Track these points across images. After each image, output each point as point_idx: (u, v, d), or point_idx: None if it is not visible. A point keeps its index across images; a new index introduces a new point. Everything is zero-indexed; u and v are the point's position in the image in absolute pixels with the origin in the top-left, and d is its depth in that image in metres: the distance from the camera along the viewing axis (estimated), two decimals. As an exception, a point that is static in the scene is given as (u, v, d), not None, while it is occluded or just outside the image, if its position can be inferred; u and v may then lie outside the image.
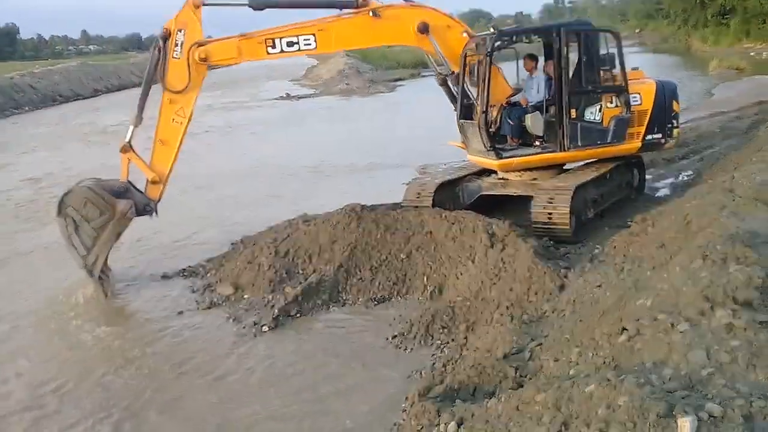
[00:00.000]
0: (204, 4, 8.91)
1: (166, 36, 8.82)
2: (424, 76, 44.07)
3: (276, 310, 7.76)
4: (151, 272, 9.72)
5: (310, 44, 9.27)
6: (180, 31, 8.83)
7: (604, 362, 3.98)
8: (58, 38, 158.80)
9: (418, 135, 19.64)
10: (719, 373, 3.37)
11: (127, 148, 8.95)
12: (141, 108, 8.96)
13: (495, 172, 10.42)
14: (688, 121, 17.63)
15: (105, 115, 33.11)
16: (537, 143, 10.00)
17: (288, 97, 36.03)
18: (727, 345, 3.56)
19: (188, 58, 8.86)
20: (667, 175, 12.63)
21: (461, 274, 8.04)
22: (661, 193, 11.38)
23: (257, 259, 8.89)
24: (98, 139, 24.57)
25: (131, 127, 9.00)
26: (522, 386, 4.72)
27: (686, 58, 46.73)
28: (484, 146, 9.58)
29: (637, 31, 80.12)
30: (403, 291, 8.26)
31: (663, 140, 10.34)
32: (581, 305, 6.08)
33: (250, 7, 9.17)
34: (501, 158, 9.69)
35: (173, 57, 8.87)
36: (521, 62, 10.56)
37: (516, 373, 5.08)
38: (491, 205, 10.31)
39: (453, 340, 6.82)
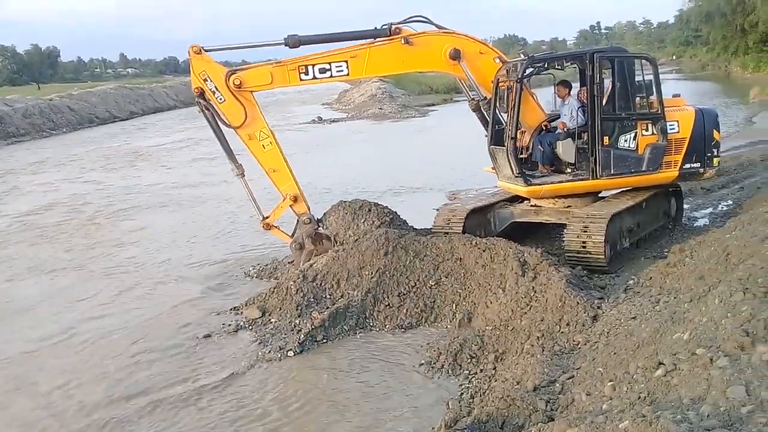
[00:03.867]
0: (206, 50, 9.17)
1: (201, 93, 9.19)
2: (456, 101, 44.21)
3: (302, 335, 7.69)
4: (184, 293, 9.84)
5: (342, 71, 9.37)
6: (206, 80, 9.13)
7: (639, 397, 3.82)
8: (97, 61, 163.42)
9: (449, 160, 19.61)
10: (760, 411, 3.19)
11: (267, 224, 9.67)
12: (232, 158, 9.55)
13: (527, 198, 10.26)
14: (729, 150, 17.25)
15: (138, 137, 33.92)
16: (568, 170, 9.82)
17: (320, 120, 36.34)
18: (768, 382, 3.38)
19: (231, 92, 9.13)
20: (706, 204, 12.32)
21: (491, 302, 7.89)
22: (700, 223, 11.08)
23: (285, 283, 8.86)
24: (128, 161, 25.12)
25: (251, 197, 9.59)
26: (553, 420, 4.55)
27: (726, 85, 46.03)
28: (513, 172, 9.45)
29: (674, 57, 79.40)
30: (431, 318, 8.13)
31: (702, 169, 10.01)
32: (615, 337, 5.88)
33: (286, 45, 9.34)
34: (529, 185, 9.52)
35: (220, 103, 9.19)
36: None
37: (546, 406, 4.92)
38: (523, 233, 10.16)
39: (482, 370, 6.67)
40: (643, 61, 9.98)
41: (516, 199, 10.45)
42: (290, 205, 9.58)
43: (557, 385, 5.42)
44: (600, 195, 10.13)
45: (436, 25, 9.65)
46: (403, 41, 9.32)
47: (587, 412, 4.14)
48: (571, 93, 10.14)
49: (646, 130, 9.59)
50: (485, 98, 9.82)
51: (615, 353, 5.22)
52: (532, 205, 10.15)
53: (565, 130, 9.75)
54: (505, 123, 9.66)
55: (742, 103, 31.06)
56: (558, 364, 5.98)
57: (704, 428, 3.06)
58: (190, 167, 22.53)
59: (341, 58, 9.35)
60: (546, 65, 10.02)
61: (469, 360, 6.88)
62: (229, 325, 8.38)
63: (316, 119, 36.76)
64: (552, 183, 9.65)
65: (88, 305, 9.62)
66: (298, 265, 9.46)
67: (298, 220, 9.75)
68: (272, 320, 8.36)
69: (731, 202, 11.94)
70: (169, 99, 59.71)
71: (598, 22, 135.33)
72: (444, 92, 49.11)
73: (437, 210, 10.91)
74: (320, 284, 8.71)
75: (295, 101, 52.94)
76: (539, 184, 9.60)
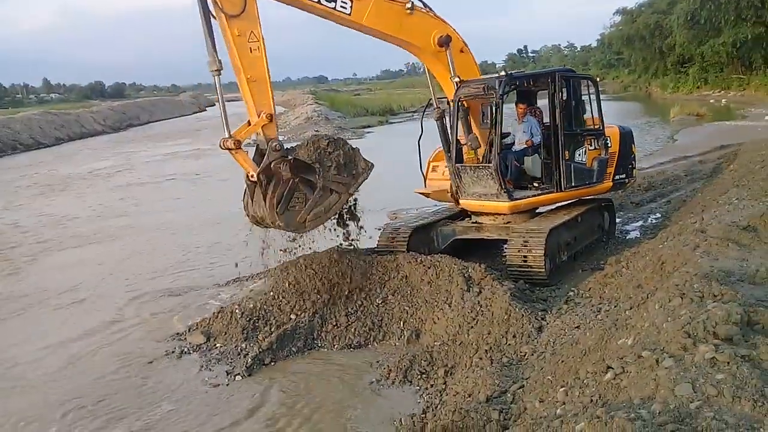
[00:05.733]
0: None
1: None
2: (392, 122, 44.77)
3: (249, 359, 7.58)
4: (126, 323, 9.52)
5: (345, 8, 8.86)
6: None
7: (592, 400, 3.95)
8: (19, 86, 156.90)
9: (387, 180, 19.63)
10: (707, 406, 3.38)
11: (237, 141, 8.32)
12: (214, 50, 8.06)
13: (468, 216, 10.46)
14: (654, 166, 18.09)
15: (65, 164, 32.77)
16: (535, 184, 10.14)
17: (254, 144, 36.00)
18: (712, 379, 3.58)
19: None
20: (637, 218, 12.84)
21: (438, 318, 7.99)
22: (632, 235, 11.55)
23: (229, 306, 8.73)
24: (54, 189, 24.16)
25: (221, 105, 8.32)
26: (507, 429, 4.64)
27: (647, 104, 48.20)
28: (498, 189, 9.55)
29: (598, 79, 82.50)
30: (379, 337, 8.15)
31: (627, 180, 11.01)
32: (561, 346, 6.07)
33: None
34: (513, 200, 9.69)
35: None
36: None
37: (500, 416, 5.01)
38: (466, 249, 10.34)
39: (432, 385, 6.74)
40: (588, 81, 10.58)
41: (458, 216, 10.66)
42: (263, 128, 8.50)
43: (508, 395, 5.54)
44: (537, 210, 10.45)
45: (432, 11, 9.69)
46: (409, 4, 9.25)
47: (542, 417, 4.25)
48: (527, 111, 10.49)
49: (591, 144, 10.22)
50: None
51: (563, 361, 5.38)
52: (473, 223, 10.36)
53: (531, 146, 10.11)
54: (469, 140, 9.91)
55: (664, 122, 32.58)
56: (508, 375, 6.10)
57: (657, 424, 3.20)
58: (121, 195, 21.81)
59: None
60: (518, 83, 10.29)
61: (419, 376, 6.93)
62: (173, 351, 8.17)
63: (252, 142, 36.40)
64: (527, 197, 9.94)
65: (21, 348, 8.95)
66: (262, 201, 8.37)
67: (258, 148, 8.69)
68: (217, 345, 8.20)
69: (660, 215, 12.48)
70: (96, 124, 57.91)
71: (525, 46, 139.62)
72: (379, 114, 49.64)
73: (379, 229, 10.97)
74: (266, 306, 8.62)
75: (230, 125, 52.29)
76: (519, 199, 9.82)
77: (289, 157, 8.42)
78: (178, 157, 31.42)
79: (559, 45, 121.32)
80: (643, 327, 4.70)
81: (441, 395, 6.41)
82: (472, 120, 10.16)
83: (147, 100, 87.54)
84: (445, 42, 9.61)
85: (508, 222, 10.05)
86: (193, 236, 14.59)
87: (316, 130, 40.23)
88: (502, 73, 9.77)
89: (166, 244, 14.18)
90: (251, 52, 8.16)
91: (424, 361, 7.11)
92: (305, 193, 8.45)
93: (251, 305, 8.58)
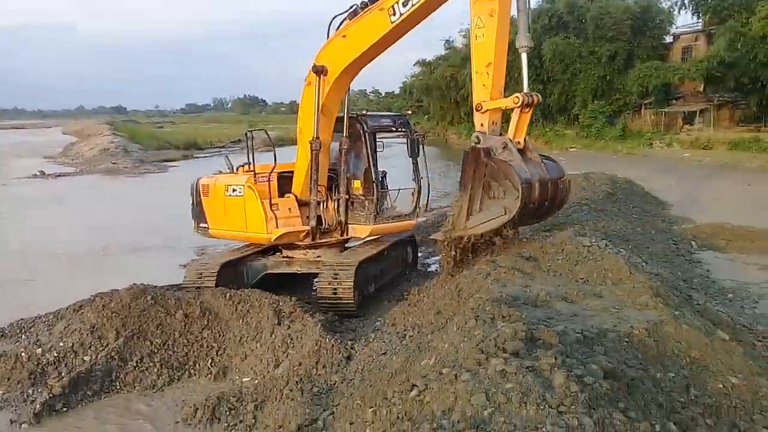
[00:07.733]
0: None
1: None
2: (197, 157, 43.64)
3: (38, 405, 6.91)
4: None
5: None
6: None
7: (398, 417, 4.17)
8: None
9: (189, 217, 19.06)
10: (498, 412, 3.75)
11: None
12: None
13: (279, 250, 10.49)
14: (449, 205, 19.44)
15: None
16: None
17: (42, 175, 33.00)
18: (502, 388, 3.98)
19: None
20: (435, 253, 13.69)
21: (249, 353, 7.90)
22: (433, 268, 12.33)
23: (14, 349, 7.89)
24: None
25: (525, 74, 9.38)
26: (318, 456, 4.71)
27: (445, 149, 51.99)
28: (415, 207, 10.82)
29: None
30: (185, 376, 7.85)
31: None
32: (369, 372, 6.30)
33: None
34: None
35: None
36: None
37: (311, 443, 5.07)
38: (276, 284, 10.35)
39: (241, 420, 6.62)
40: None
41: (268, 251, 10.65)
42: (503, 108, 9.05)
43: (319, 422, 5.64)
44: (347, 245, 10.79)
45: None
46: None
47: (352, 439, 4.40)
48: None
49: None
50: None
51: (371, 385, 5.60)
52: (284, 257, 10.42)
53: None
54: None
55: (459, 165, 35.27)
56: (318, 404, 6.20)
57: (457, 432, 3.50)
58: None
59: None
60: None
61: (227, 412, 6.76)
62: (-57, 403, 7.19)
63: (38, 174, 33.33)
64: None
65: None
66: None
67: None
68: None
69: (456, 250, 13.43)
70: None
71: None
72: (184, 148, 48.20)
73: (186, 266, 10.62)
74: (58, 348, 7.92)
75: (10, 155, 47.48)
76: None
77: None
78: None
79: (365, 90, 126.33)
80: (444, 347, 5.08)
81: (251, 430, 6.32)
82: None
83: None
84: None
85: (319, 256, 10.25)
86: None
87: (114, 162, 38.05)
88: (409, 112, 10.54)
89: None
90: (476, 39, 8.63)
91: (233, 397, 6.96)
92: None
93: (39, 348, 7.85)
